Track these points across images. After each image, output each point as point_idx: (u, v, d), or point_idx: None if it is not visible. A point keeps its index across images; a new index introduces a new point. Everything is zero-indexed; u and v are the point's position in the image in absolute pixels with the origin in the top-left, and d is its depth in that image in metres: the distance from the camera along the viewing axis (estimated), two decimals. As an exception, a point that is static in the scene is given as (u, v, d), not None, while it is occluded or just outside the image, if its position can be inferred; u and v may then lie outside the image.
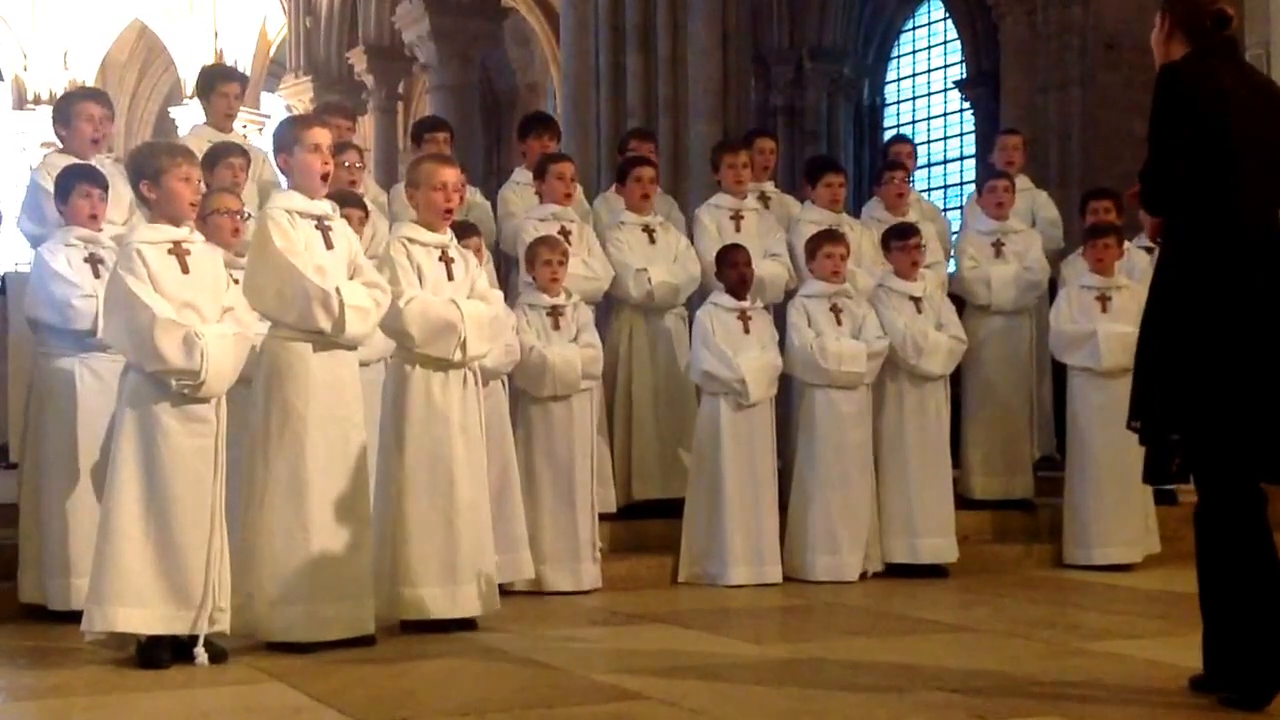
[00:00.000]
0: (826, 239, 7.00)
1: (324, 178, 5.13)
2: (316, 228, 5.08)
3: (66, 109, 6.00)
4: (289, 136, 5.16)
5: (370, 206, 6.58)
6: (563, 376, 6.38)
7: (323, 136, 5.16)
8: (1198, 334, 3.91)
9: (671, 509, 6.89)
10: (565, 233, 6.92)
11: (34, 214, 5.93)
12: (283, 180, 5.37)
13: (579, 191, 7.44)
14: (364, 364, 5.55)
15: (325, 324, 4.97)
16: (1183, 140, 3.96)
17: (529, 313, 6.45)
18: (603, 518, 6.57)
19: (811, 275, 7.02)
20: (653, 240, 7.28)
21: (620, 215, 7.35)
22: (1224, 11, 4.05)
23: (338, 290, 4.97)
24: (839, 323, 6.91)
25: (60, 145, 6.05)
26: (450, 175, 5.49)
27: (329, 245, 5.09)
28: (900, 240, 7.19)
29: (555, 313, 6.47)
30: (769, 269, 7.30)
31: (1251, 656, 3.86)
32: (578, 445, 6.42)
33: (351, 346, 5.12)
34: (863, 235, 7.64)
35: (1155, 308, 4.05)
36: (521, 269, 6.91)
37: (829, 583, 6.66)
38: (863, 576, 6.81)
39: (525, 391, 6.46)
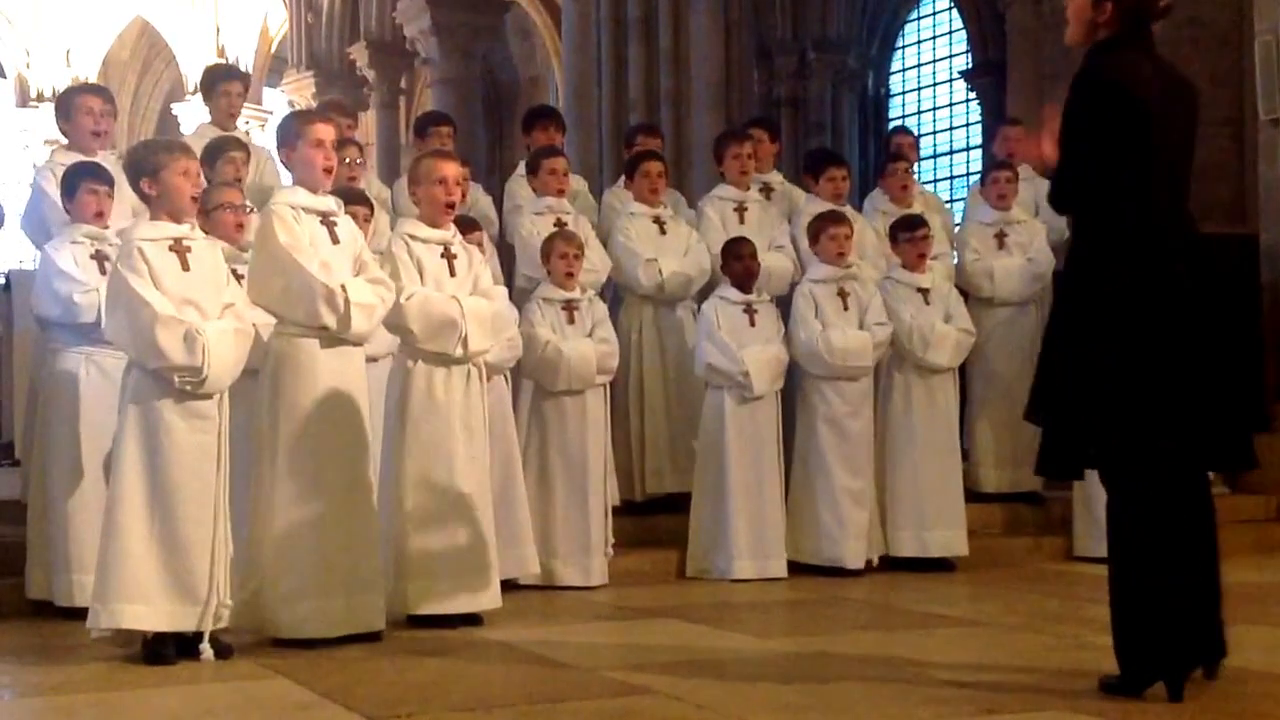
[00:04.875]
0: (830, 220, 6.92)
1: (327, 172, 5.12)
2: (322, 223, 5.07)
3: (67, 103, 6.07)
4: (292, 131, 5.15)
5: (374, 203, 6.56)
6: (578, 371, 6.35)
7: (325, 132, 5.14)
8: (1124, 328, 3.86)
9: (686, 503, 6.85)
10: (561, 224, 6.89)
11: (35, 216, 5.95)
12: (285, 180, 5.36)
13: (583, 184, 7.41)
14: (373, 359, 5.54)
15: (330, 321, 4.95)
16: (1106, 141, 3.94)
17: (543, 306, 6.41)
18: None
19: (816, 259, 6.96)
20: (663, 232, 7.25)
21: (630, 207, 7.31)
22: None
23: (343, 287, 4.96)
24: (845, 308, 6.86)
25: (64, 142, 6.09)
26: (450, 170, 5.46)
27: (335, 240, 5.08)
28: (908, 232, 7.14)
29: (570, 307, 6.44)
30: (774, 262, 7.26)
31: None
32: (591, 440, 6.39)
33: (357, 343, 5.10)
34: (865, 227, 7.60)
35: (1070, 303, 4.00)
36: (522, 261, 6.89)
37: (834, 569, 6.63)
38: (869, 565, 6.78)
39: (538, 386, 6.43)
